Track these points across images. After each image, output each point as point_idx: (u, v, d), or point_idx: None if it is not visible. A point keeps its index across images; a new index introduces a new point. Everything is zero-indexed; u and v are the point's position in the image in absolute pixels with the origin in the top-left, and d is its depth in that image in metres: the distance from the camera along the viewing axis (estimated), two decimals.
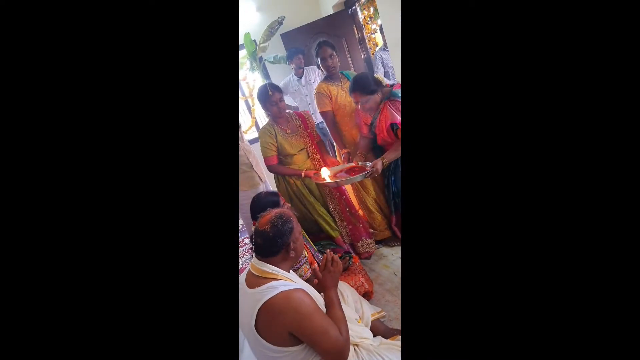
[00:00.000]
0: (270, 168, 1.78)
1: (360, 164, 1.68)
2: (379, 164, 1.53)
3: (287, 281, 0.89)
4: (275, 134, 1.73)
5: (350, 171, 1.65)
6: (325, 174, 1.61)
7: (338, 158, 1.97)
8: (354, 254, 1.66)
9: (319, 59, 1.81)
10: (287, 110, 1.82)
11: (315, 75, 2.85)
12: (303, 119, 1.80)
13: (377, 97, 1.59)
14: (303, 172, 1.70)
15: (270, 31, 3.09)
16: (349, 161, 1.76)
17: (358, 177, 1.53)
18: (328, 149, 1.94)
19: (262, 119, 3.48)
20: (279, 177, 1.85)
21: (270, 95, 1.65)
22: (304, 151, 1.79)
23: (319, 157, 1.80)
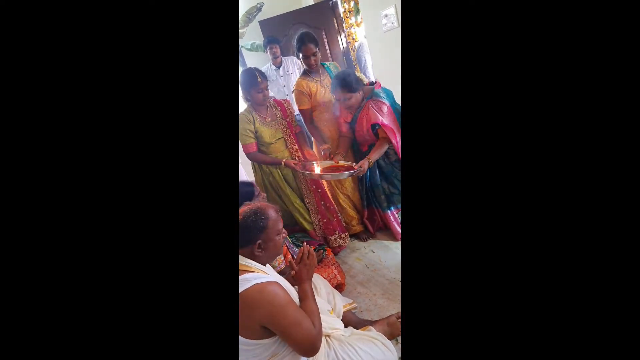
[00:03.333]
0: (249, 156, 1.71)
1: (340, 162, 1.67)
2: (365, 164, 1.53)
3: (260, 273, 0.88)
4: (254, 120, 1.68)
5: (333, 169, 1.64)
6: (314, 166, 1.60)
7: (315, 151, 1.95)
8: (327, 247, 1.67)
9: (301, 55, 1.75)
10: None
11: (294, 66, 2.80)
12: (282, 107, 1.75)
13: (358, 95, 1.59)
14: (283, 161, 1.65)
15: (248, 17, 3.00)
16: (329, 158, 1.75)
17: (345, 174, 1.53)
18: (306, 140, 1.90)
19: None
20: (256, 166, 1.81)
21: (259, 82, 1.59)
22: (282, 140, 1.75)
23: (297, 147, 1.77)
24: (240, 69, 3.31)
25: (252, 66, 1.78)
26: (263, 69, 2.90)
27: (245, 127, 1.66)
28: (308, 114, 1.83)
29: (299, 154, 1.77)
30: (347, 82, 1.55)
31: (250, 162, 1.82)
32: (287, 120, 1.74)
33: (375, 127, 1.61)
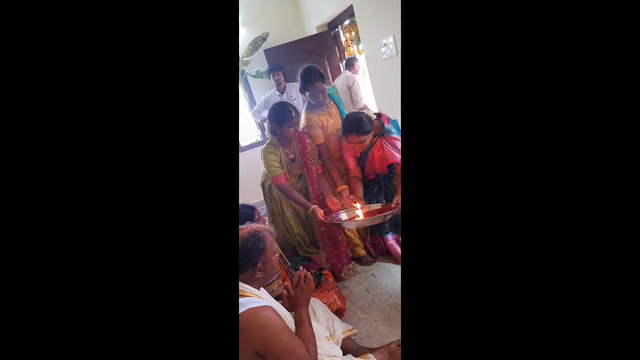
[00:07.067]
0: (279, 187, 1.66)
1: (372, 206, 1.63)
2: (400, 199, 1.48)
3: (254, 298, 0.88)
4: (280, 156, 1.64)
5: (369, 214, 1.59)
6: (340, 215, 1.58)
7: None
8: (325, 270, 1.64)
9: (307, 93, 1.70)
10: None
11: (297, 92, 2.90)
12: (304, 143, 1.69)
13: (370, 135, 1.57)
14: (312, 208, 1.58)
15: (254, 46, 3.13)
16: (349, 199, 1.66)
17: (385, 215, 1.47)
18: (328, 182, 1.77)
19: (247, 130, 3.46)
20: (266, 192, 1.80)
21: (292, 117, 1.57)
22: (298, 176, 1.73)
23: (315, 186, 1.70)
24: (244, 94, 3.42)
25: (282, 100, 1.80)
26: (267, 95, 3.00)
27: (273, 159, 1.63)
28: (325, 149, 1.76)
29: (315, 193, 1.71)
30: (360, 125, 1.52)
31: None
32: (307, 157, 1.69)
33: (393, 166, 1.58)
